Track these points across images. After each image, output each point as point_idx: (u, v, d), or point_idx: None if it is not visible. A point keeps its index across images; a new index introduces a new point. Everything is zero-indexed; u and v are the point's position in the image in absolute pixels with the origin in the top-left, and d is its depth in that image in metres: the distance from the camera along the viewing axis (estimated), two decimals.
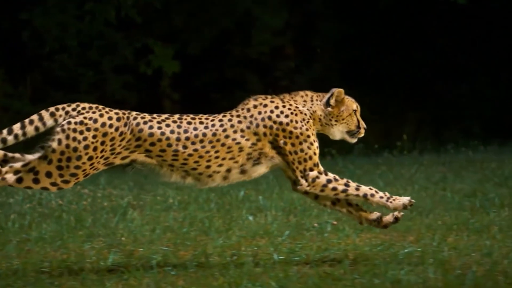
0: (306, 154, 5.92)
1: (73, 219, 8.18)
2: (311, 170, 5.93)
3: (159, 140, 5.79)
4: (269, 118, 5.92)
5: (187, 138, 5.82)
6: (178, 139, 5.82)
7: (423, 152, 16.88)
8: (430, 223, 7.52)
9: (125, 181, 11.53)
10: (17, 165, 5.70)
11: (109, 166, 5.88)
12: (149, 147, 5.80)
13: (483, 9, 22.25)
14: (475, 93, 22.75)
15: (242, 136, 5.89)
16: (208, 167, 5.88)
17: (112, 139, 5.72)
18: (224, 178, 5.95)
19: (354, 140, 6.20)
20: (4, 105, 20.05)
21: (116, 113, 5.79)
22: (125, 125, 5.78)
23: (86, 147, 5.67)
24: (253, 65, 23.12)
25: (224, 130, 5.87)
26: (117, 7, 20.10)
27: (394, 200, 5.97)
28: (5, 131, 5.69)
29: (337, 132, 6.15)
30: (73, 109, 5.76)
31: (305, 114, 6.00)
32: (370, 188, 6.00)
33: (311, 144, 5.95)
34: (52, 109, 5.76)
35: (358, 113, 6.18)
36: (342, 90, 6.10)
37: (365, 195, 5.97)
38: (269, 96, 6.05)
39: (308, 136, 5.95)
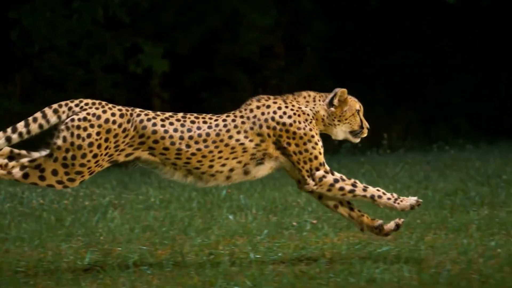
0: (311, 154, 5.91)
1: (53, 218, 8.18)
2: (317, 169, 5.92)
3: (162, 138, 5.79)
4: (272, 119, 5.92)
5: (191, 137, 5.82)
6: (181, 138, 5.81)
7: (411, 151, 16.93)
8: (409, 221, 7.52)
9: (108, 180, 11.51)
10: (24, 160, 5.72)
11: (113, 163, 5.88)
12: (152, 145, 5.79)
13: (472, 9, 22.29)
14: (465, 92, 22.78)
15: (246, 137, 5.89)
16: (211, 166, 5.88)
17: (116, 135, 5.73)
18: (227, 178, 5.95)
19: (357, 140, 6.20)
20: None
21: (119, 110, 5.79)
22: (128, 121, 5.78)
23: (91, 144, 5.68)
24: (242, 64, 23.10)
25: (228, 131, 5.87)
26: (105, 6, 20.08)
27: (401, 201, 5.95)
28: (9, 130, 5.69)
29: (340, 132, 6.15)
30: (76, 105, 5.76)
31: (308, 115, 5.99)
32: (377, 190, 5.98)
33: (316, 144, 5.94)
34: (55, 106, 5.76)
35: (361, 113, 6.17)
36: (345, 90, 6.09)
37: (372, 196, 5.95)
38: (271, 97, 6.04)
39: (312, 136, 5.94)
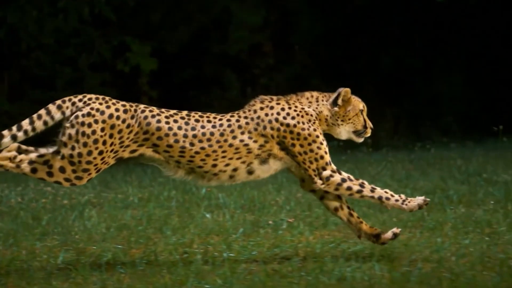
0: (316, 154, 5.91)
1: (30, 217, 8.15)
2: (324, 169, 5.91)
3: (167, 135, 5.79)
4: (276, 120, 5.92)
5: (195, 136, 5.82)
6: (185, 136, 5.81)
7: (398, 149, 16.93)
8: (386, 220, 7.54)
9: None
10: (32, 155, 5.72)
11: (118, 160, 5.87)
12: (156, 141, 5.79)
13: (461, 8, 22.32)
14: (453, 91, 22.83)
15: (250, 138, 5.89)
16: (214, 165, 5.87)
17: (120, 131, 5.73)
18: (230, 177, 5.95)
19: (360, 140, 6.19)
20: None
21: (123, 105, 5.78)
22: (132, 117, 5.77)
23: (96, 141, 5.68)
24: (231, 62, 23.10)
25: (232, 131, 5.87)
26: (91, 5, 20.05)
27: (409, 202, 5.94)
28: (14, 128, 5.69)
29: (344, 132, 6.13)
30: (80, 100, 5.75)
31: (311, 115, 5.98)
32: (385, 191, 5.97)
33: (321, 143, 5.93)
34: (58, 101, 5.76)
35: (364, 113, 6.17)
36: (348, 90, 6.08)
37: (380, 198, 5.94)
38: (274, 98, 6.04)
39: (317, 136, 5.93)
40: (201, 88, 22.56)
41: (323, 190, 5.99)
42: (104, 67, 21.41)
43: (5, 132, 5.68)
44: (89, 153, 5.67)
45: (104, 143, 5.69)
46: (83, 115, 5.69)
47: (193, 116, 5.87)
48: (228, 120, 5.89)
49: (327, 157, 5.94)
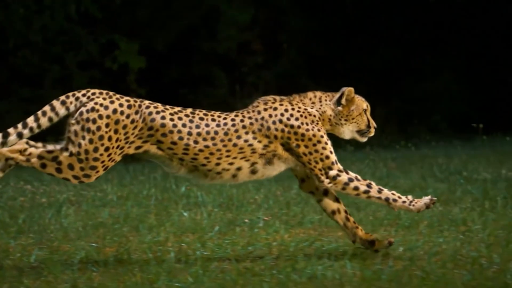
0: (321, 154, 5.90)
1: (7, 215, 8.11)
2: (330, 168, 5.90)
3: (171, 132, 5.79)
4: (280, 121, 5.92)
5: (199, 134, 5.82)
6: (189, 134, 5.81)
7: (384, 148, 16.94)
8: (362, 218, 7.55)
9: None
10: (42, 150, 5.71)
11: (123, 157, 5.87)
12: (160, 138, 5.79)
13: (450, 6, 22.36)
14: (442, 90, 22.86)
15: (254, 138, 5.89)
16: (218, 164, 5.87)
17: (125, 126, 5.73)
18: (233, 176, 5.94)
19: (364, 140, 6.18)
20: None
21: (127, 100, 5.78)
22: (137, 112, 5.77)
23: (101, 137, 5.68)
24: (220, 60, 23.07)
25: (236, 131, 5.86)
26: (77, 2, 20.01)
27: (416, 202, 5.92)
28: (20, 125, 5.70)
29: (347, 132, 6.12)
30: (83, 95, 5.76)
31: (314, 116, 5.98)
32: (392, 193, 5.96)
33: (326, 143, 5.92)
34: (62, 97, 5.76)
35: (368, 112, 6.16)
36: (352, 89, 6.08)
37: (387, 199, 5.94)
38: (277, 98, 6.04)
39: (321, 137, 5.92)
40: (189, 86, 22.54)
41: (331, 189, 5.99)
42: (92, 65, 21.36)
43: (11, 130, 5.69)
44: (96, 149, 5.68)
45: (110, 139, 5.70)
46: (87, 111, 5.70)
47: (198, 114, 5.87)
48: (233, 120, 5.89)
49: (333, 157, 5.94)
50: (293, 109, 5.96)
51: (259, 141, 5.90)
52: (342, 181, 5.90)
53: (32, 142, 5.79)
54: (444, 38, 22.72)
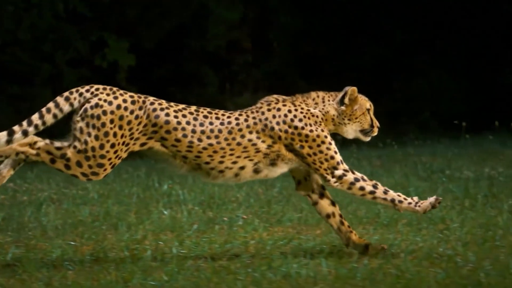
0: (326, 154, 5.89)
1: None
2: (335, 168, 5.90)
3: (175, 129, 5.78)
4: (284, 122, 5.91)
5: (203, 132, 5.82)
6: (193, 131, 5.81)
7: (369, 146, 16.92)
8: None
9: (53, 176, 11.38)
10: (51, 146, 5.70)
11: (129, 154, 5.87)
12: (164, 135, 5.78)
13: (439, 4, 22.38)
14: (432, 88, 22.89)
15: (258, 138, 5.89)
16: (221, 162, 5.86)
17: (129, 122, 5.73)
18: (236, 175, 5.93)
19: (367, 139, 6.18)
20: None
21: (131, 96, 5.78)
22: (140, 108, 5.77)
23: (106, 134, 5.68)
24: (209, 58, 23.05)
25: (240, 130, 5.86)
26: (65, 1, 19.98)
27: (422, 203, 5.92)
28: (25, 123, 5.69)
29: (351, 131, 6.12)
30: (87, 91, 5.74)
31: (317, 116, 5.97)
32: (398, 195, 5.96)
33: (330, 144, 5.92)
34: (66, 93, 5.75)
35: (371, 112, 6.16)
36: (355, 89, 6.07)
37: (392, 200, 5.94)
38: (280, 99, 6.02)
39: (325, 137, 5.92)
40: (179, 84, 22.52)
41: (337, 189, 5.97)
42: (82, 63, 21.33)
43: (16, 128, 5.68)
44: (101, 146, 5.68)
45: (115, 135, 5.70)
46: (91, 107, 5.70)
47: (202, 112, 5.86)
48: (237, 119, 5.89)
49: (338, 157, 5.93)
50: (296, 109, 5.96)
51: (263, 141, 5.89)
52: (348, 181, 5.90)
53: (39, 139, 5.77)
54: (434, 37, 22.74)
